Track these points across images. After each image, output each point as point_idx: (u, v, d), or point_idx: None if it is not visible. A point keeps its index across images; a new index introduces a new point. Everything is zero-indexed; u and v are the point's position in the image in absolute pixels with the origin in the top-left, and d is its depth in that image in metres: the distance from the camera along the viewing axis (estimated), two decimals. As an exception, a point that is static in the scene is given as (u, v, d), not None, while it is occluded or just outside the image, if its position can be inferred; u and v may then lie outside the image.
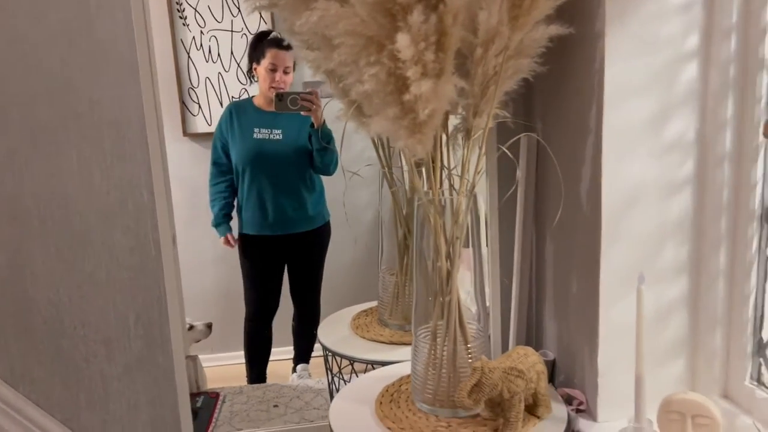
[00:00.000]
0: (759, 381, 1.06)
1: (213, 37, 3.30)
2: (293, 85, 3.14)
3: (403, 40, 0.88)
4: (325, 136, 2.54)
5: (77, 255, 1.34)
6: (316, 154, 2.60)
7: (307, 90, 2.47)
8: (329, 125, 2.45)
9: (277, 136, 2.62)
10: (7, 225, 1.31)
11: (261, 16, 3.27)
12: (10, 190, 1.30)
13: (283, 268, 2.80)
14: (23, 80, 1.28)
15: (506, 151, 1.17)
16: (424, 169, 1.15)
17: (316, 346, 2.79)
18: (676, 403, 0.97)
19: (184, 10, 3.24)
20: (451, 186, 1.17)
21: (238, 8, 3.26)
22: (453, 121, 1.17)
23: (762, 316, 1.06)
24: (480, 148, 1.11)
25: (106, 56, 1.27)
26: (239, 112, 2.66)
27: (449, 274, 1.13)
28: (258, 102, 2.68)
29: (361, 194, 3.15)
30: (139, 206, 1.32)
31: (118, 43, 1.27)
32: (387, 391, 1.24)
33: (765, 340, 1.06)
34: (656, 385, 1.08)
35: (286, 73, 2.60)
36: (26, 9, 1.26)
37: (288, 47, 2.65)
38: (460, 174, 1.14)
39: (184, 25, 3.27)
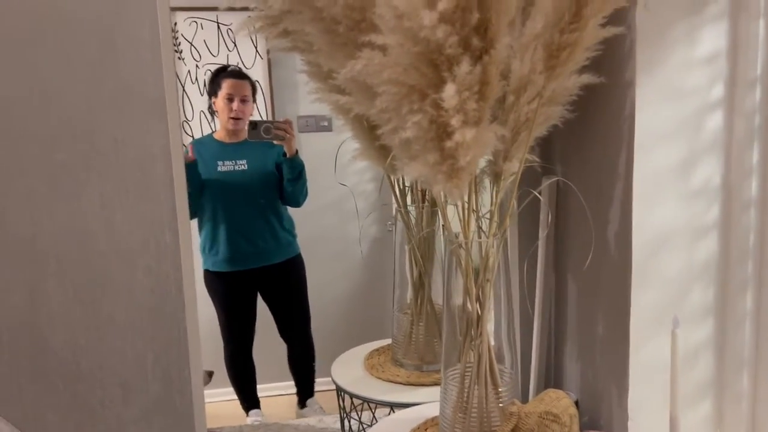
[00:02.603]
0: (788, 423, 1.08)
1: (208, 71, 3.31)
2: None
3: (449, 90, 0.90)
4: (297, 166, 2.54)
5: (96, 296, 1.31)
6: (286, 183, 2.60)
7: (282, 119, 2.49)
8: (344, 163, 2.45)
9: (242, 167, 2.61)
10: (23, 266, 1.28)
11: (257, 51, 3.30)
12: (27, 230, 1.28)
13: (256, 299, 2.79)
14: (44, 120, 1.27)
15: (537, 194, 1.19)
16: (452, 212, 1.17)
17: (325, 380, 2.73)
18: (713, 447, 0.98)
19: (179, 44, 3.26)
20: (479, 228, 1.18)
21: (234, 43, 3.29)
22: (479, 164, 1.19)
23: (789, 359, 1.08)
24: (512, 192, 1.13)
25: (132, 95, 1.27)
26: (202, 147, 2.63)
27: (479, 316, 1.14)
28: (219, 136, 2.68)
29: (350, 227, 3.16)
30: (161, 246, 1.31)
31: (144, 82, 1.26)
32: (414, 434, 1.23)
33: (793, 382, 1.08)
34: (684, 426, 1.09)
35: (243, 101, 2.60)
36: (50, 49, 1.25)
37: (244, 77, 2.67)
38: (489, 217, 1.16)
39: (179, 58, 3.28)
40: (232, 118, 2.57)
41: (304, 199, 2.67)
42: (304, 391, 2.94)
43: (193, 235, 2.74)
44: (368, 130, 1.33)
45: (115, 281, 1.31)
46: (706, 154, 1.08)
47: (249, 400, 2.92)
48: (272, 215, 2.68)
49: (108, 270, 1.31)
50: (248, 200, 2.61)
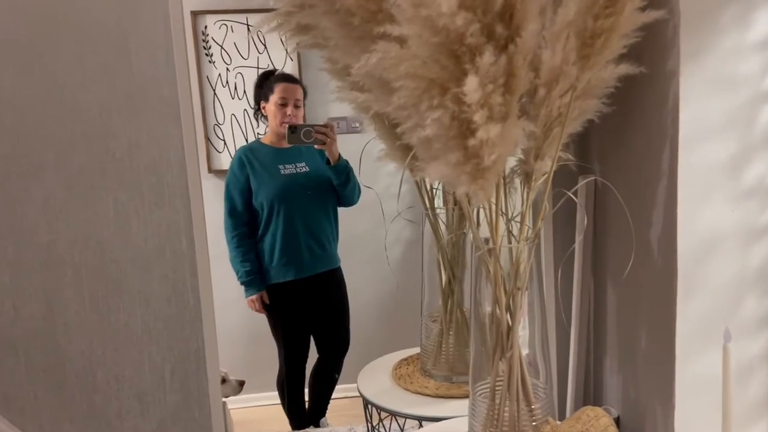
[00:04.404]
0: None
1: (239, 74, 3.30)
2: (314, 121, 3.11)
3: (471, 83, 0.82)
4: (343, 170, 2.47)
5: (112, 305, 1.28)
6: (338, 188, 2.53)
7: (322, 123, 2.42)
8: (376, 165, 2.38)
9: (304, 169, 2.54)
10: (39, 274, 1.26)
11: (287, 53, 3.26)
12: (43, 238, 1.25)
13: (310, 311, 2.69)
14: (60, 125, 1.24)
15: (572, 195, 1.11)
16: (481, 215, 1.09)
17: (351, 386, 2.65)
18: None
19: (210, 47, 3.25)
20: (509, 232, 1.10)
21: (264, 45, 3.26)
22: (508, 163, 1.11)
23: None
24: (544, 193, 1.05)
25: (147, 98, 1.23)
26: (254, 154, 2.56)
27: (510, 327, 1.06)
28: (269, 140, 2.59)
29: (383, 231, 3.10)
30: (177, 254, 1.27)
31: (159, 85, 1.23)
32: (441, 452, 1.16)
33: None
34: (738, 449, 1.00)
35: (296, 107, 2.52)
36: (65, 53, 1.22)
37: (296, 81, 2.60)
38: (519, 220, 1.08)
39: (210, 62, 3.27)
40: (285, 122, 2.49)
41: (359, 196, 2.61)
42: (322, 409, 2.83)
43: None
44: (390, 129, 1.27)
45: (132, 290, 1.28)
46: (760, 150, 0.98)
47: (298, 418, 2.81)
48: (333, 217, 2.64)
49: (124, 278, 1.27)
50: (315, 201, 2.54)
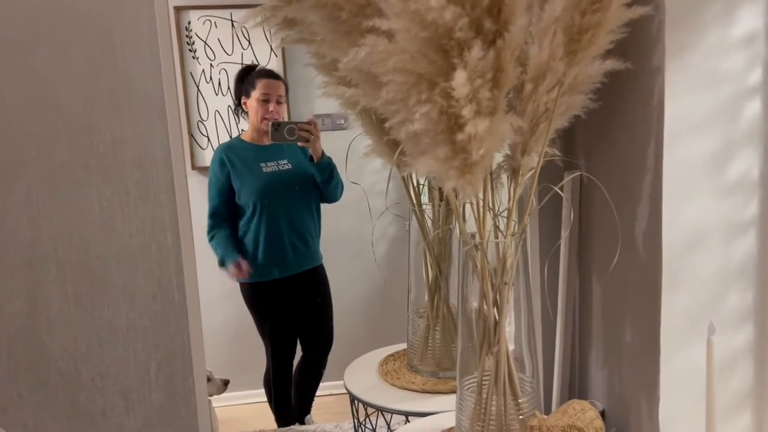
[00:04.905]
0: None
1: (223, 70, 3.27)
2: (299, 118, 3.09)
3: (460, 78, 0.82)
4: (326, 167, 2.44)
5: (96, 302, 1.26)
6: (320, 185, 2.51)
7: (306, 120, 2.37)
8: (362, 162, 2.33)
9: (286, 166, 2.51)
10: (22, 271, 1.24)
11: (272, 49, 3.24)
12: (26, 235, 1.24)
13: (294, 309, 2.67)
14: (42, 120, 1.22)
15: (558, 190, 1.11)
16: (468, 210, 1.09)
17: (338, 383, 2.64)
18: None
19: (193, 43, 3.22)
20: (496, 227, 1.11)
21: (249, 41, 3.24)
22: (495, 158, 1.12)
23: (838, 367, 0.99)
24: (530, 188, 1.05)
25: (131, 93, 1.22)
26: (234, 152, 2.52)
27: (497, 322, 1.06)
28: (249, 137, 2.55)
29: (368, 227, 3.10)
30: (163, 250, 1.25)
31: (144, 80, 1.21)
32: (429, 447, 1.16)
33: (842, 393, 0.99)
34: (722, 441, 1.01)
35: (279, 103, 2.48)
36: (48, 47, 1.21)
37: (278, 77, 2.56)
38: (506, 215, 1.08)
39: (193, 58, 3.24)
40: (267, 118, 2.45)
41: (342, 193, 2.59)
42: (307, 407, 2.82)
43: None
44: (377, 125, 1.27)
45: (116, 287, 1.26)
46: (743, 145, 1.00)
47: (285, 415, 2.79)
48: (317, 214, 2.61)
49: (108, 275, 1.26)
50: (299, 199, 2.51)
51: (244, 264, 2.44)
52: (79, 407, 1.28)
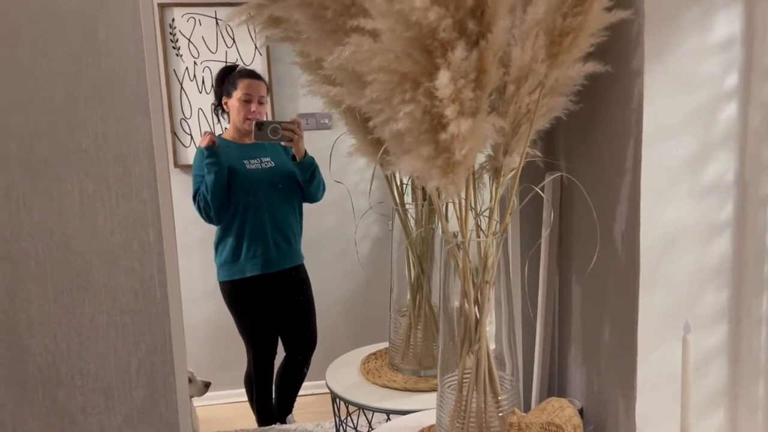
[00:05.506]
0: (807, 434, 1.01)
1: (207, 68, 3.26)
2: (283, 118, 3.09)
3: (443, 78, 0.83)
4: (308, 167, 2.45)
5: (77, 298, 1.25)
6: (302, 184, 2.52)
7: (289, 119, 2.38)
8: (345, 161, 2.32)
9: (269, 164, 2.52)
10: (1, 266, 1.23)
11: (256, 48, 3.24)
12: (6, 230, 1.22)
13: (276, 307, 2.67)
14: (23, 114, 1.21)
15: (539, 191, 1.13)
16: (450, 210, 1.10)
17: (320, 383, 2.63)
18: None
19: (177, 41, 3.21)
20: (478, 227, 1.12)
21: (233, 39, 3.23)
22: (478, 158, 1.13)
23: (809, 366, 1.01)
24: (511, 188, 1.07)
25: (114, 89, 1.21)
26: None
27: (478, 320, 1.07)
28: (230, 136, 2.55)
29: (351, 227, 3.10)
30: (145, 247, 1.25)
31: (127, 75, 1.20)
32: (409, 444, 1.17)
33: (813, 391, 1.01)
34: (696, 438, 1.03)
35: (261, 103, 2.49)
36: (30, 41, 1.20)
37: (260, 77, 2.56)
38: (488, 215, 1.09)
39: (177, 55, 3.22)
40: (249, 119, 2.45)
41: (323, 194, 2.60)
42: (289, 407, 2.82)
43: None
44: (361, 124, 1.27)
45: (97, 283, 1.25)
46: (720, 148, 1.02)
47: (266, 415, 2.78)
48: (299, 213, 2.62)
49: (89, 271, 1.25)
50: (282, 196, 2.51)
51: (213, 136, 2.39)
52: (59, 405, 1.27)
